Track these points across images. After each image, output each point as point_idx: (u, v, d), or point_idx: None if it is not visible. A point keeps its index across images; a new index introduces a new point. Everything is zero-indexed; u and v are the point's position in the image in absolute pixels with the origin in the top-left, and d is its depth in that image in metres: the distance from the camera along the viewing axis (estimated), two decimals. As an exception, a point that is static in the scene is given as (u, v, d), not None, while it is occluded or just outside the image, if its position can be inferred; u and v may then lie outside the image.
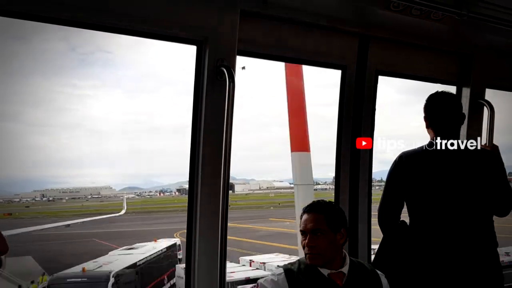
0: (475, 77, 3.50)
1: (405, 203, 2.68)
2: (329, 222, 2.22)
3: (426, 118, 2.72)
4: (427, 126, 2.72)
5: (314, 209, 2.26)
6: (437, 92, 2.71)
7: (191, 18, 2.44)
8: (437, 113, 2.66)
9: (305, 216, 2.25)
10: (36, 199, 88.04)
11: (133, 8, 2.31)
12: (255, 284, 2.28)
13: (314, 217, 2.24)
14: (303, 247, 2.25)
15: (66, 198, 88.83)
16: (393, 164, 2.68)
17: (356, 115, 3.13)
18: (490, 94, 3.59)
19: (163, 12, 2.38)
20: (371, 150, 3.17)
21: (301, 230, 2.24)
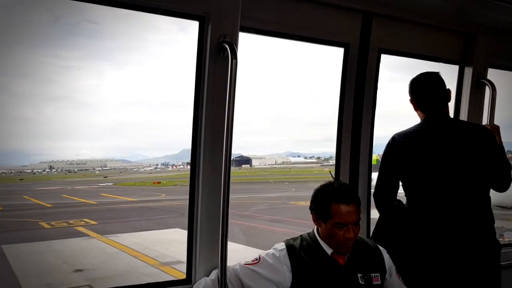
0: (478, 56, 3.46)
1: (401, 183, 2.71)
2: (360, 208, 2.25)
3: (413, 101, 2.76)
4: (416, 108, 2.76)
5: (354, 198, 2.22)
6: (420, 74, 2.76)
7: None
8: (424, 93, 2.71)
9: (346, 208, 2.18)
10: (47, 170, 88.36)
11: None
12: (257, 256, 2.33)
13: (356, 208, 2.21)
14: (335, 238, 2.21)
15: (76, 170, 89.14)
16: (387, 146, 2.72)
17: (358, 93, 3.12)
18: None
19: None
20: (372, 128, 3.19)
21: (339, 223, 2.18)
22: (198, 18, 2.50)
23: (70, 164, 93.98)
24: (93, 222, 21.10)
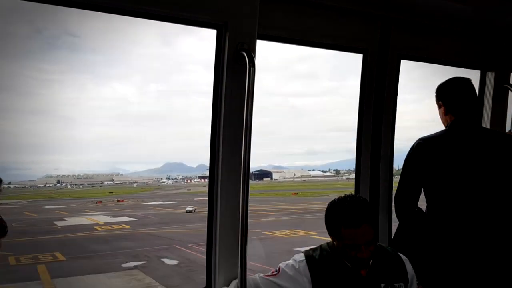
0: (500, 61, 3.42)
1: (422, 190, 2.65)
2: (376, 226, 2.19)
3: (443, 104, 2.70)
4: (446, 113, 2.69)
5: (364, 220, 2.13)
6: (450, 78, 2.71)
7: (211, 1, 2.40)
8: (457, 98, 2.65)
9: (355, 231, 2.11)
10: (58, 185, 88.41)
11: None
12: (277, 268, 2.29)
13: (366, 229, 2.13)
14: (349, 255, 2.16)
15: (86, 184, 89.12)
16: (411, 150, 2.65)
17: (378, 100, 3.08)
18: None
19: None
20: (392, 137, 3.13)
21: (349, 245, 2.13)
22: (216, 26, 2.49)
23: (77, 178, 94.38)
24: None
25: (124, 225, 33.41)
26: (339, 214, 2.17)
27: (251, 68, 2.30)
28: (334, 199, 2.26)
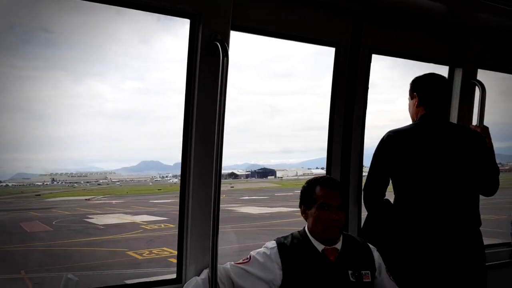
0: (468, 57, 3.48)
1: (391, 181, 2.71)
2: (345, 199, 2.33)
3: (417, 96, 2.76)
4: (417, 105, 2.76)
5: (337, 185, 2.34)
6: (428, 73, 2.78)
7: None
8: (432, 92, 2.72)
9: (329, 191, 2.28)
10: (55, 183, 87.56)
11: None
12: (248, 256, 2.33)
13: (339, 193, 2.30)
14: (321, 221, 2.26)
15: (82, 182, 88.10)
16: (380, 142, 2.71)
17: (349, 93, 3.13)
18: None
19: None
20: (363, 128, 3.19)
21: (323, 203, 2.27)
22: (189, 16, 2.50)
23: (72, 176, 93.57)
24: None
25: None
26: (316, 179, 2.38)
27: (225, 58, 2.32)
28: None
